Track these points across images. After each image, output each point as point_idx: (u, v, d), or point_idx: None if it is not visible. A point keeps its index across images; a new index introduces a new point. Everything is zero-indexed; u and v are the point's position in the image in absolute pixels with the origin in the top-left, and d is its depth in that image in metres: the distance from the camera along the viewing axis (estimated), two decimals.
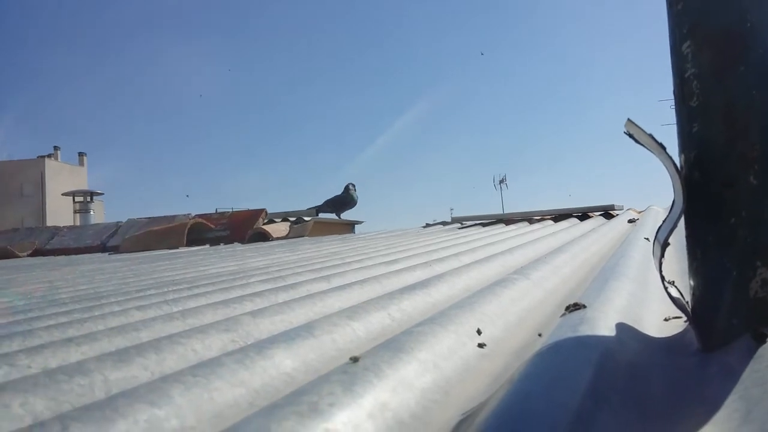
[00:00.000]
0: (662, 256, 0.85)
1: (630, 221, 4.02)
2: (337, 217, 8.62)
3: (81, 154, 32.41)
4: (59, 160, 30.79)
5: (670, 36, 0.85)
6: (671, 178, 0.86)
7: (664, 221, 0.90)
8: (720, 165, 0.79)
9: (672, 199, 0.88)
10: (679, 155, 0.85)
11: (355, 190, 8.77)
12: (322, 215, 8.51)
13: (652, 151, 0.89)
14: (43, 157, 29.53)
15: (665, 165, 0.86)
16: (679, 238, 0.89)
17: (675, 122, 0.86)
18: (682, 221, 0.83)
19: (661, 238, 0.87)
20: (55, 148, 30.95)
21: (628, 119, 0.87)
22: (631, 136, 0.90)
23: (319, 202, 8.77)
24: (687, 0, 0.82)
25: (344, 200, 8.74)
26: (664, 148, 0.82)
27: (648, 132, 0.83)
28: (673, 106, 0.87)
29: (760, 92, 0.77)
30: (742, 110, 0.77)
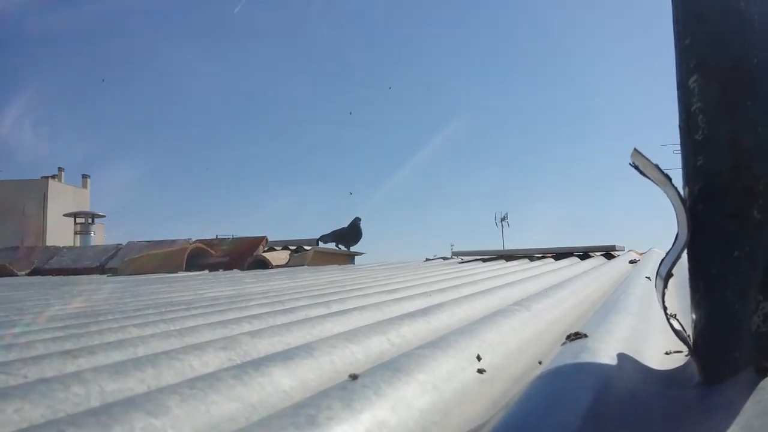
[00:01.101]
0: (665, 287, 0.85)
1: (631, 262, 4.02)
2: (337, 248, 8.60)
3: (84, 176, 32.54)
4: (62, 181, 30.90)
5: (677, 70, 0.87)
6: (675, 210, 0.86)
7: (667, 254, 0.90)
8: (724, 198, 0.79)
9: (675, 233, 0.88)
10: (684, 188, 0.85)
11: (360, 222, 8.78)
12: (322, 245, 8.50)
13: (657, 183, 0.90)
14: (46, 177, 29.64)
15: (670, 197, 0.87)
16: (680, 276, 0.89)
17: (679, 166, 0.87)
18: (684, 255, 0.83)
19: (664, 270, 0.87)
20: (59, 169, 31.08)
21: (635, 149, 0.88)
22: (636, 167, 0.91)
23: (324, 232, 8.75)
24: (695, 35, 0.83)
25: (351, 234, 8.73)
26: (669, 179, 0.83)
27: (654, 163, 0.84)
28: (677, 151, 0.87)
29: (766, 127, 0.77)
30: (747, 144, 0.78)
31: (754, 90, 0.77)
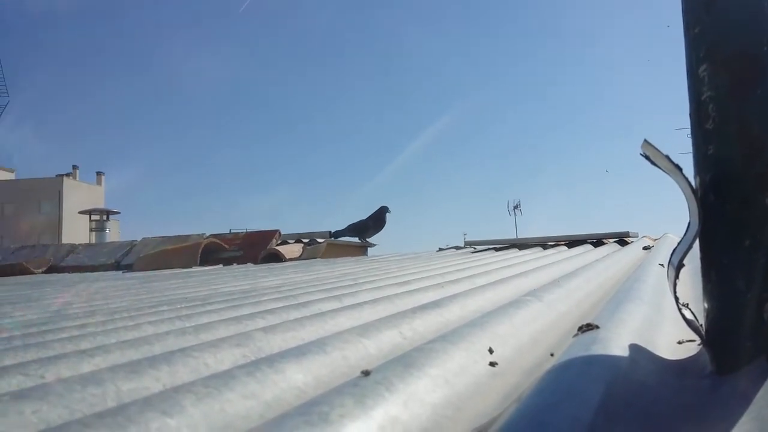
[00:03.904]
0: (677, 277, 0.85)
1: (645, 248, 4.00)
2: (358, 240, 8.52)
3: (99, 174, 32.82)
4: (77, 179, 31.16)
5: (686, 59, 0.86)
6: (687, 199, 0.86)
7: (678, 243, 0.89)
8: (735, 187, 0.79)
9: (687, 222, 0.88)
10: (695, 177, 0.85)
11: (388, 211, 8.59)
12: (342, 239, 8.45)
13: (667, 173, 0.89)
14: (61, 175, 29.90)
15: (681, 187, 0.86)
16: (693, 264, 0.89)
17: (691, 150, 0.86)
18: (696, 244, 0.83)
19: (676, 259, 0.86)
20: (74, 167, 31.36)
21: (645, 140, 0.87)
22: (647, 157, 0.91)
23: (340, 226, 8.66)
24: (704, 24, 0.82)
25: (374, 225, 8.58)
26: (680, 169, 0.82)
27: (664, 153, 0.83)
28: (690, 135, 0.87)
29: None
30: (758, 133, 0.77)
31: (764, 78, 0.77)
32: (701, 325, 0.85)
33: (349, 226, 8.59)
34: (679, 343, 1.03)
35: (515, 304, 1.32)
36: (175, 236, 8.51)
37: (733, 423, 0.59)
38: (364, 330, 1.10)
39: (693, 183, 0.84)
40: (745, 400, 0.63)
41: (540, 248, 5.34)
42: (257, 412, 0.73)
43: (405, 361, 0.79)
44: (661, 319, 1.18)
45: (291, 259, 7.14)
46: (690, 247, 0.82)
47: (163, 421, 0.64)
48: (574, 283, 1.76)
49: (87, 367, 0.99)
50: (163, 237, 8.71)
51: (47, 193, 28.96)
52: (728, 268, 0.79)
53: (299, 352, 0.93)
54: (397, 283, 2.26)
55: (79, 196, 28.80)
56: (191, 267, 6.68)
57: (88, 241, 12.66)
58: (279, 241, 7.94)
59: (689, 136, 0.88)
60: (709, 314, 0.82)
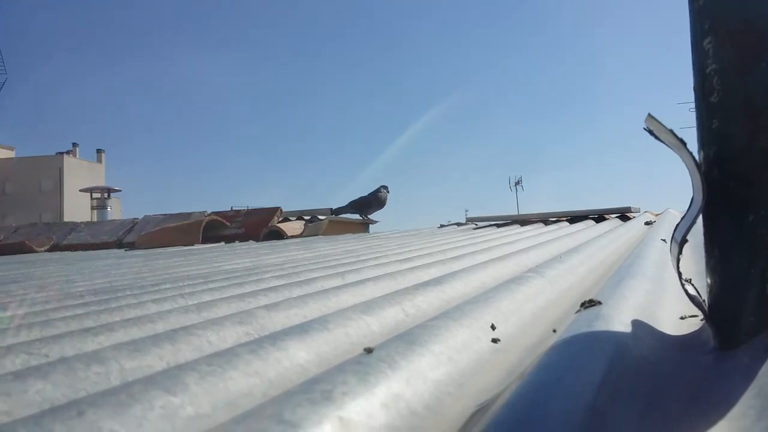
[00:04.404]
0: (680, 253, 0.84)
1: (647, 223, 4.00)
2: (359, 216, 8.48)
3: (99, 151, 32.71)
4: (77, 156, 31.08)
5: (691, 32, 0.85)
6: (690, 174, 0.85)
7: (682, 219, 0.89)
8: (740, 162, 0.78)
9: (691, 197, 0.87)
10: (699, 152, 0.84)
11: (387, 192, 8.52)
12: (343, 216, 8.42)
13: (671, 148, 0.88)
14: (61, 153, 29.81)
15: (685, 161, 0.86)
16: (695, 239, 0.88)
17: (694, 125, 0.86)
18: (700, 219, 0.82)
19: (679, 235, 0.86)
20: (74, 144, 31.25)
21: (649, 114, 0.86)
22: (651, 132, 0.90)
23: (342, 203, 8.61)
24: None
25: (374, 203, 8.51)
26: (684, 144, 0.82)
27: (668, 127, 0.82)
28: (692, 109, 0.86)
29: None
30: (763, 106, 0.77)
31: None
32: (704, 301, 0.85)
33: (350, 202, 8.54)
34: (682, 318, 1.03)
35: (517, 280, 1.32)
36: (176, 214, 8.52)
37: (736, 399, 0.59)
38: (367, 307, 1.10)
39: (697, 157, 0.83)
40: (748, 376, 0.63)
41: (542, 224, 5.34)
42: (260, 390, 0.73)
43: (407, 338, 0.79)
44: (663, 294, 1.18)
45: (292, 237, 7.15)
46: (694, 222, 0.82)
47: (167, 399, 0.64)
48: (576, 259, 1.76)
49: (91, 345, 0.99)
50: (164, 215, 8.71)
51: (48, 171, 28.90)
52: (732, 243, 0.78)
53: (302, 329, 0.93)
54: (399, 260, 2.27)
55: (79, 174, 28.77)
56: (193, 244, 6.70)
57: (89, 219, 12.67)
58: (280, 219, 7.95)
59: (691, 110, 0.87)
60: (712, 290, 0.82)
